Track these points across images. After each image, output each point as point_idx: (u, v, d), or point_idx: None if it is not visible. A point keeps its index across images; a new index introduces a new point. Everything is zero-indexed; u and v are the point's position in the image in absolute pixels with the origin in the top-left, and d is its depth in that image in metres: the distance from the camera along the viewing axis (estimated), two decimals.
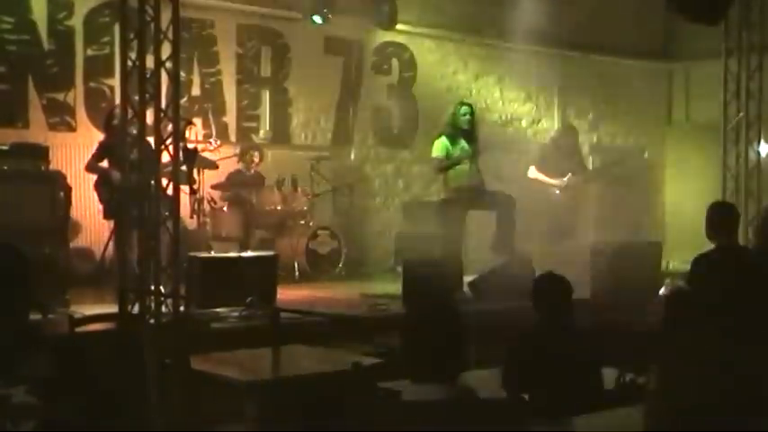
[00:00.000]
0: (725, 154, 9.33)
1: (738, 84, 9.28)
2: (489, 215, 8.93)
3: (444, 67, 12.16)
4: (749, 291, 5.18)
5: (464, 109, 8.80)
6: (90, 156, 8.34)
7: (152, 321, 6.09)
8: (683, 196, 12.54)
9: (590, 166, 10.44)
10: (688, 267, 5.67)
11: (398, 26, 11.05)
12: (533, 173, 10.06)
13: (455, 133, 8.67)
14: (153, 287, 6.19)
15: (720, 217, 5.75)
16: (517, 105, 12.68)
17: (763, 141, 9.76)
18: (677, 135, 13.85)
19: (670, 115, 14.35)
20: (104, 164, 8.02)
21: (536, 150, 10.67)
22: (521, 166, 10.71)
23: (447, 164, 8.67)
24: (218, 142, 9.44)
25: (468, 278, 8.33)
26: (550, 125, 12.79)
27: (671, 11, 8.38)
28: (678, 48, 13.77)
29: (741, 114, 9.28)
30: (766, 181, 9.26)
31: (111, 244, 8.19)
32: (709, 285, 5.33)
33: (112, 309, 6.38)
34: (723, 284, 5.23)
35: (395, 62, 11.91)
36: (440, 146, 8.66)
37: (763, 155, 9.83)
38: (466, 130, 8.68)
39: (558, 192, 10.05)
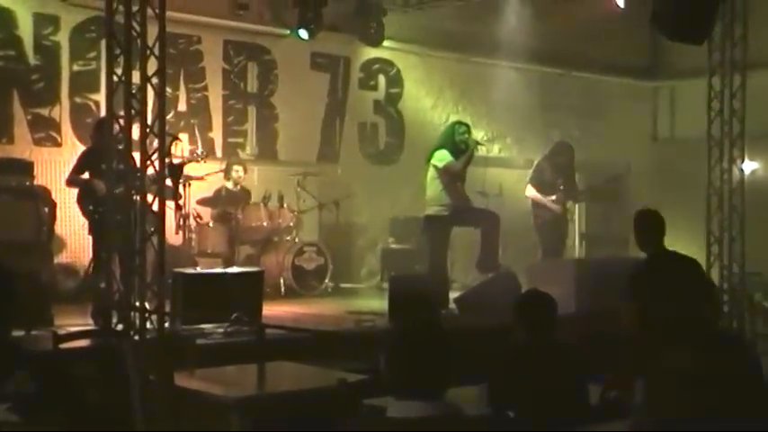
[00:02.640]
0: (709, 171, 9.39)
1: (722, 102, 9.35)
2: (474, 232, 8.96)
3: (430, 84, 12.21)
4: (682, 296, 5.20)
5: (462, 128, 8.86)
6: (71, 168, 7.98)
7: (136, 338, 6.06)
8: (668, 210, 12.59)
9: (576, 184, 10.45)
10: None
11: (385, 43, 11.11)
12: (531, 191, 10.09)
13: (453, 149, 8.70)
14: (137, 303, 6.16)
15: (646, 226, 5.77)
16: (503, 122, 12.73)
17: (747, 159, 9.84)
18: (662, 151, 13.94)
19: (655, 133, 14.44)
20: (85, 176, 7.94)
21: (532, 169, 10.67)
22: (507, 184, 10.76)
23: (464, 161, 8.67)
24: (205, 153, 9.44)
25: (453, 294, 8.33)
26: (536, 142, 12.83)
27: (656, 29, 8.43)
28: (663, 66, 13.89)
29: (725, 132, 9.34)
30: (750, 198, 9.32)
31: (95, 260, 8.14)
32: (648, 297, 5.35)
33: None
34: (657, 295, 5.25)
35: (381, 78, 11.96)
36: (444, 155, 8.69)
37: (747, 172, 9.91)
38: (462, 149, 8.71)
39: (555, 207, 10.02)
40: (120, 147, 6.41)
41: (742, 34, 9.21)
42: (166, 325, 6.30)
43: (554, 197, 10.00)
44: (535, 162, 10.58)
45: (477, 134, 11.74)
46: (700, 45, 8.59)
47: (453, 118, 11.84)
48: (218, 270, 7.91)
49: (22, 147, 9.10)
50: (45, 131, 9.38)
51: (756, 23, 9.36)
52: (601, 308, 7.86)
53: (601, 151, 13.23)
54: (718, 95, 9.36)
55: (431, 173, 8.71)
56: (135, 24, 6.24)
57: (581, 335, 6.57)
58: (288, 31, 10.52)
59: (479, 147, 8.86)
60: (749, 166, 10.80)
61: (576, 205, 11.08)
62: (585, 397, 4.36)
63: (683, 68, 12.66)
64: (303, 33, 10.25)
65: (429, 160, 8.77)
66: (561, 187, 10.05)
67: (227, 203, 9.79)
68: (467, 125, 8.96)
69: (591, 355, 4.72)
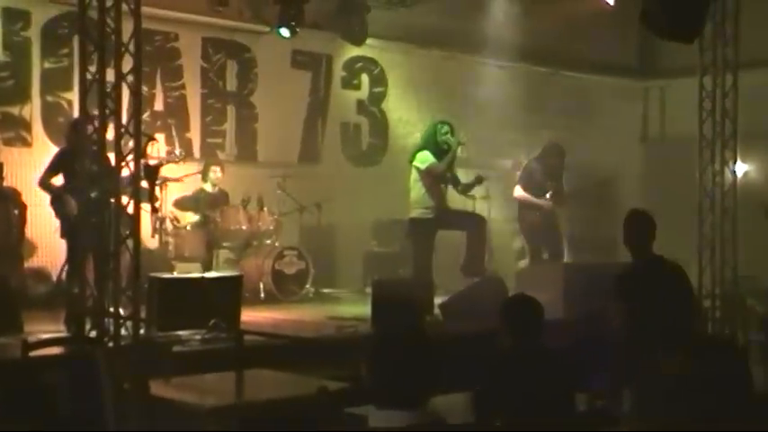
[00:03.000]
0: (701, 173, 9.43)
1: (714, 102, 9.40)
2: (460, 235, 8.97)
3: (415, 83, 12.22)
4: (668, 302, 5.24)
5: (445, 128, 8.85)
6: (44, 169, 7.93)
7: (110, 345, 6.04)
8: (658, 213, 12.63)
9: (564, 186, 10.47)
10: None
11: (368, 40, 11.10)
12: (519, 192, 10.08)
13: (436, 151, 8.70)
14: (112, 309, 6.14)
15: (636, 227, 5.79)
16: (489, 121, 12.74)
17: (739, 160, 9.88)
18: (652, 153, 14.00)
19: (645, 133, 14.51)
20: (60, 179, 7.90)
21: (521, 169, 10.68)
22: (493, 186, 10.78)
23: (447, 161, 8.67)
24: (183, 153, 9.41)
25: (438, 300, 8.34)
26: (523, 142, 12.87)
27: (645, 28, 8.47)
28: (654, 65, 13.95)
29: (717, 133, 9.39)
30: (742, 200, 9.37)
31: (67, 265, 8.11)
32: (634, 302, 5.38)
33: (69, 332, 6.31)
34: (645, 300, 5.29)
35: (364, 77, 11.96)
36: (427, 156, 8.69)
37: (739, 174, 9.96)
38: (445, 149, 8.71)
39: (544, 209, 10.03)
40: (95, 147, 6.39)
41: (734, 32, 9.26)
42: (141, 332, 6.29)
43: (543, 200, 9.99)
44: (524, 162, 10.59)
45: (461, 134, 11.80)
46: (691, 43, 8.63)
47: (438, 116, 11.87)
48: (196, 275, 7.89)
49: None
50: (15, 131, 9.33)
51: (748, 21, 9.41)
52: (589, 313, 7.89)
53: (589, 152, 13.28)
54: (709, 95, 9.41)
55: (413, 175, 8.73)
56: (109, 20, 6.23)
57: (569, 340, 6.59)
58: (268, 29, 10.51)
59: (462, 146, 8.85)
60: (741, 167, 10.85)
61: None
62: (572, 405, 4.37)
63: (673, 67, 12.72)
64: (285, 32, 10.22)
65: (411, 162, 8.78)
66: (551, 190, 10.04)
67: (204, 206, 9.77)
68: (449, 124, 8.97)
69: (579, 361, 4.74)
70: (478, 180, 9.22)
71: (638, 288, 5.49)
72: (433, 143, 8.75)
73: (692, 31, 8.32)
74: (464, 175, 9.35)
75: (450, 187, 9.13)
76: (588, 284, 8.28)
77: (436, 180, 8.67)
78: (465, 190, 9.29)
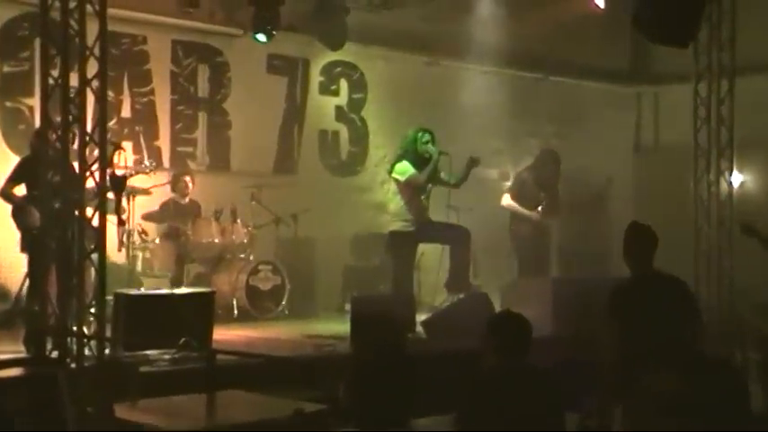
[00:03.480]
0: (696, 183, 9.49)
1: (709, 109, 9.47)
2: (443, 249, 8.98)
3: (397, 89, 12.24)
4: (670, 319, 5.27)
5: (426, 136, 8.83)
6: (5, 179, 7.94)
7: (73, 366, 6.00)
8: (653, 228, 12.69)
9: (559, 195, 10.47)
10: None
11: (348, 44, 11.11)
12: (507, 200, 10.08)
13: (415, 160, 8.68)
14: (75, 328, 6.11)
15: (637, 240, 5.81)
16: (475, 129, 12.78)
17: (735, 170, 9.94)
18: (645, 162, 14.07)
19: (638, 142, 14.59)
20: (23, 188, 7.86)
21: (512, 179, 10.70)
22: (479, 197, 10.79)
23: (428, 172, 8.66)
24: (154, 164, 9.39)
25: (421, 317, 8.34)
26: (511, 151, 12.91)
27: (638, 31, 8.52)
28: (646, 70, 14.04)
29: (712, 141, 9.46)
30: (739, 212, 9.42)
31: (28, 280, 8.05)
32: (630, 318, 5.40)
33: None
34: (641, 317, 5.32)
35: (343, 83, 11.98)
36: (406, 167, 8.66)
37: (735, 185, 10.01)
38: (425, 159, 8.70)
39: (535, 221, 10.04)
40: (58, 156, 6.36)
41: (730, 36, 9.35)
42: (107, 351, 6.25)
43: (531, 213, 9.99)
44: (516, 171, 10.61)
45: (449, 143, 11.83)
46: (685, 48, 8.70)
47: (421, 125, 11.89)
48: (165, 291, 7.85)
49: None
50: None
51: (745, 24, 9.49)
52: (580, 330, 7.91)
53: (580, 161, 13.33)
54: (704, 102, 9.49)
55: (392, 187, 8.72)
56: (73, 22, 6.22)
57: (558, 359, 6.60)
58: (242, 32, 10.50)
59: (444, 156, 8.83)
60: (738, 177, 10.92)
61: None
62: (562, 426, 4.37)
63: (667, 73, 12.82)
64: (261, 38, 10.22)
65: (390, 173, 8.76)
66: (543, 202, 10.02)
67: (174, 218, 9.75)
68: (430, 133, 8.94)
69: (568, 380, 4.74)
70: (473, 162, 9.04)
71: (636, 303, 5.51)
72: (412, 152, 8.74)
73: (686, 35, 8.39)
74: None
75: (439, 190, 9.11)
76: (578, 300, 8.31)
77: (417, 192, 8.66)
78: (461, 180, 9.13)
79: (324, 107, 11.81)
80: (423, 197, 8.78)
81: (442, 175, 8.95)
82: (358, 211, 11.68)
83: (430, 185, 8.99)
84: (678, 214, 9.95)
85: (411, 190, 8.64)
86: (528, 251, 10.05)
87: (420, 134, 8.84)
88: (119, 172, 7.83)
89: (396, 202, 8.72)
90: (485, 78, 12.37)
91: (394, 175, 8.69)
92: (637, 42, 13.18)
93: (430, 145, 8.76)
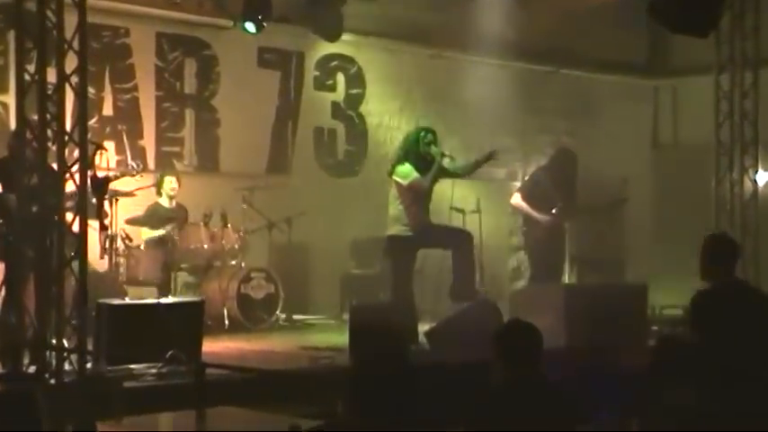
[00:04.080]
0: (717, 183, 9.49)
1: (732, 103, 9.46)
2: (447, 254, 8.95)
3: (398, 84, 12.24)
4: (757, 329, 5.29)
5: (429, 136, 8.80)
6: None
7: (52, 381, 6.00)
8: (671, 230, 12.72)
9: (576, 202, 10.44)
10: (677, 312, 5.73)
11: (344, 36, 11.12)
12: (517, 200, 10.05)
13: (418, 162, 8.65)
14: (54, 341, 6.11)
15: (719, 251, 5.81)
16: (481, 126, 12.79)
17: (760, 168, 9.92)
18: (663, 160, 14.08)
19: (655, 138, 14.59)
20: None
21: (527, 178, 10.69)
22: (486, 198, 10.80)
23: (432, 175, 8.65)
24: (140, 165, 9.40)
25: (424, 327, 8.34)
26: (520, 148, 12.91)
27: (655, 20, 8.52)
28: (665, 62, 14.04)
29: (735, 137, 9.46)
30: (764, 214, 9.40)
31: (3, 290, 8.05)
32: (716, 326, 5.39)
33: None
34: (731, 324, 5.32)
35: (340, 77, 11.98)
36: (408, 170, 8.63)
37: (760, 184, 9.99)
38: (429, 160, 8.68)
39: (549, 224, 10.02)
40: (35, 158, 6.37)
41: (754, 24, 9.35)
42: (88, 366, 6.24)
43: (542, 216, 9.96)
44: (525, 170, 10.59)
45: (452, 140, 11.85)
46: (705, 37, 8.69)
47: (424, 122, 11.89)
48: (151, 300, 7.85)
49: None
50: None
51: None
52: (594, 340, 7.91)
53: (593, 160, 13.34)
54: (726, 95, 9.49)
55: (393, 190, 8.68)
56: (50, 14, 6.22)
57: (571, 371, 6.59)
58: (231, 23, 10.51)
59: (446, 158, 8.79)
60: (763, 176, 10.91)
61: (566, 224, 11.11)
62: None
63: (686, 65, 12.83)
64: (250, 27, 10.23)
65: (390, 175, 8.73)
66: (558, 204, 9.99)
67: (160, 223, 9.74)
68: (433, 132, 8.90)
69: (582, 394, 4.74)
70: (491, 155, 8.94)
71: (720, 315, 5.51)
72: (414, 153, 8.69)
73: (706, 24, 8.38)
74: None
75: (441, 191, 9.09)
76: (593, 309, 8.32)
77: (419, 196, 8.64)
78: (470, 169, 9.10)
79: (319, 103, 11.82)
80: (424, 202, 8.76)
81: (447, 163, 8.88)
82: (357, 215, 11.67)
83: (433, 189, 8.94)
84: (698, 215, 9.95)
85: (413, 194, 8.61)
86: (540, 256, 10.02)
87: (423, 134, 8.79)
88: (100, 174, 7.84)
89: (395, 206, 8.69)
90: (492, 72, 12.36)
91: (395, 177, 8.65)
92: (654, 32, 13.19)
93: (433, 146, 8.72)
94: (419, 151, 8.68)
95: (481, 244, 9.43)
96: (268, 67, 11.41)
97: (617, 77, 13.79)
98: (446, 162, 8.81)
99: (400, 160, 8.67)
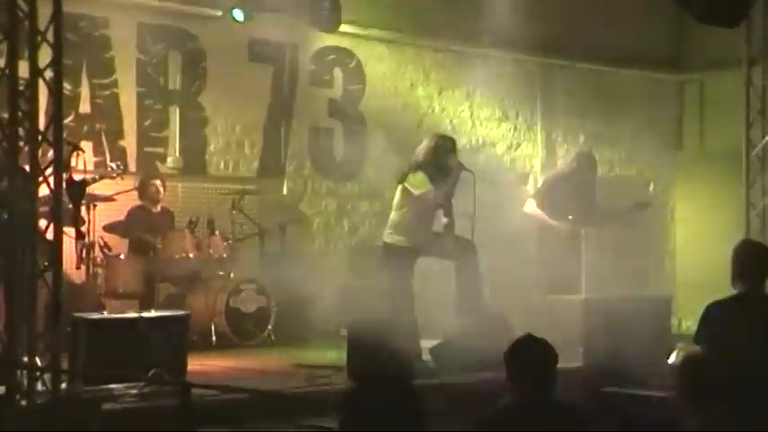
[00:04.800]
0: (747, 188, 9.48)
1: (764, 101, 9.46)
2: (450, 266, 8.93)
3: (400, 79, 12.24)
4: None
5: (448, 144, 8.78)
6: None
7: (23, 403, 5.99)
8: (698, 239, 12.71)
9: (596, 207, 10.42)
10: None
11: (343, 27, 11.12)
12: (531, 207, 10.05)
13: (435, 173, 8.61)
14: (25, 359, 6.09)
15: (750, 259, 5.80)
16: (491, 126, 12.79)
17: None
18: (689, 163, 14.07)
19: (680, 138, 14.57)
20: None
21: (540, 182, 10.68)
22: (496, 203, 10.77)
23: (447, 189, 8.61)
24: (121, 167, 9.39)
25: (428, 343, 8.33)
26: (532, 151, 12.91)
27: (681, 7, 8.51)
28: (691, 55, 14.03)
29: (767, 138, 9.46)
30: None
31: None
32: (724, 342, 5.39)
33: None
34: (740, 341, 5.31)
35: (338, 72, 11.97)
36: (423, 181, 8.58)
37: None
38: (445, 172, 8.64)
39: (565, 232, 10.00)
40: (5, 159, 6.36)
41: None
42: (63, 386, 6.22)
43: (559, 224, 9.95)
44: (538, 173, 10.58)
45: (460, 140, 11.82)
46: (735, 27, 8.69)
47: (428, 121, 11.89)
48: (132, 314, 7.83)
49: None
50: None
51: None
52: (614, 359, 7.90)
53: (614, 162, 13.35)
54: (758, 92, 9.49)
55: (400, 198, 8.65)
56: (21, 2, 6.21)
57: (589, 393, 6.60)
58: (219, 13, 10.50)
59: (466, 172, 8.75)
60: None
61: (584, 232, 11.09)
62: None
63: (715, 58, 12.81)
64: (238, 14, 10.25)
65: (401, 182, 8.71)
66: (576, 212, 9.98)
67: (143, 230, 9.74)
68: (453, 141, 8.89)
69: (600, 418, 4.73)
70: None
71: (737, 325, 5.51)
72: (430, 163, 8.66)
73: (737, 14, 8.37)
74: None
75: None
76: (613, 324, 8.31)
77: (427, 209, 8.64)
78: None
79: (315, 100, 11.80)
80: (432, 216, 8.74)
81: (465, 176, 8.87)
82: (355, 221, 11.68)
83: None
84: (727, 222, 9.94)
85: (421, 206, 8.60)
86: (556, 266, 10.01)
87: (441, 142, 8.78)
88: (77, 177, 7.85)
89: (399, 214, 8.66)
90: (502, 66, 12.35)
91: (406, 184, 8.63)
92: (680, 23, 13.19)
93: (452, 156, 8.70)
94: (437, 162, 8.65)
95: (492, 253, 9.40)
96: (260, 60, 11.40)
97: (639, 72, 13.78)
98: (464, 175, 8.77)
99: (415, 168, 8.65)
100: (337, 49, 11.90)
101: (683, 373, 4.69)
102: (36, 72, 6.21)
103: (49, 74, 6.24)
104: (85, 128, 10.18)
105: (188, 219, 9.88)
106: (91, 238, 9.03)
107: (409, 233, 8.63)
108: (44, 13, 6.21)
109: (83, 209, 8.45)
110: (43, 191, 6.44)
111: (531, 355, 4.46)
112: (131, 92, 10.57)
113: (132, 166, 10.42)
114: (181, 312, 8.21)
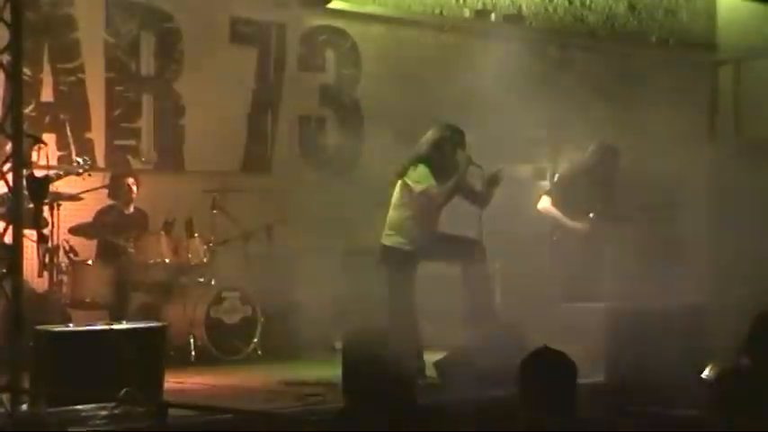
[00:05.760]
0: None
1: None
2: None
3: (398, 63, 12.24)
4: None
5: (456, 137, 8.79)
6: None
7: None
8: (734, 241, 12.72)
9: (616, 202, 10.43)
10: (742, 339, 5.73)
11: (334, 4, 11.14)
12: (545, 204, 10.07)
13: (438, 167, 8.63)
14: None
15: None
16: (501, 115, 12.78)
17: None
18: (724, 156, 14.07)
19: (714, 127, 14.58)
20: None
21: (557, 177, 10.68)
22: (510, 200, 10.79)
23: (451, 186, 8.63)
24: (88, 162, 9.40)
25: (433, 356, 8.35)
26: (548, 141, 12.90)
27: None
28: (726, 36, 14.04)
29: None
30: None
31: None
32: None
33: None
34: None
35: (330, 54, 11.99)
36: (425, 175, 8.60)
37: None
38: (451, 167, 8.66)
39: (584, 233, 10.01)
40: None
41: None
42: (24, 407, 6.23)
43: (576, 224, 9.96)
44: (557, 168, 10.57)
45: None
46: None
47: (429, 109, 11.89)
48: (101, 326, 7.85)
49: None
50: None
51: None
52: (639, 373, 7.91)
53: (638, 155, 13.34)
54: None
55: (400, 194, 8.68)
56: None
57: (611, 411, 6.60)
58: None
59: (475, 169, 8.76)
60: None
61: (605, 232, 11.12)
62: None
63: (752, 39, 12.82)
64: None
65: (402, 176, 8.73)
66: (595, 210, 9.99)
67: (113, 232, 9.75)
68: (461, 133, 8.88)
69: None
70: (495, 179, 8.96)
71: None
72: (435, 156, 8.68)
73: None
74: None
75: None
76: (638, 334, 8.31)
77: (429, 207, 8.64)
78: (484, 200, 9.04)
79: (305, 87, 11.82)
80: (435, 214, 8.76)
81: (473, 172, 8.87)
82: (351, 221, 11.67)
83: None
84: (765, 221, 9.95)
85: (423, 203, 8.62)
86: (574, 271, 10.03)
87: (449, 134, 8.78)
88: (39, 173, 7.85)
89: (398, 213, 8.69)
90: (513, 48, 12.35)
91: (407, 179, 8.65)
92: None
93: (459, 150, 8.71)
94: (442, 154, 8.67)
95: (504, 257, 9.42)
96: (243, 42, 11.41)
97: (666, 54, 13.78)
98: (473, 171, 8.78)
99: (416, 161, 8.67)
100: (329, 29, 11.92)
101: (721, 388, 4.70)
102: None
103: (6, 58, 6.25)
104: (48, 118, 10.20)
105: (163, 219, 9.90)
106: (55, 241, 9.04)
107: (411, 235, 8.64)
108: None
109: (45, 209, 8.44)
110: (1, 189, 6.44)
111: (547, 369, 4.48)
112: (99, 78, 10.58)
113: (101, 161, 10.44)
114: (156, 324, 8.24)
